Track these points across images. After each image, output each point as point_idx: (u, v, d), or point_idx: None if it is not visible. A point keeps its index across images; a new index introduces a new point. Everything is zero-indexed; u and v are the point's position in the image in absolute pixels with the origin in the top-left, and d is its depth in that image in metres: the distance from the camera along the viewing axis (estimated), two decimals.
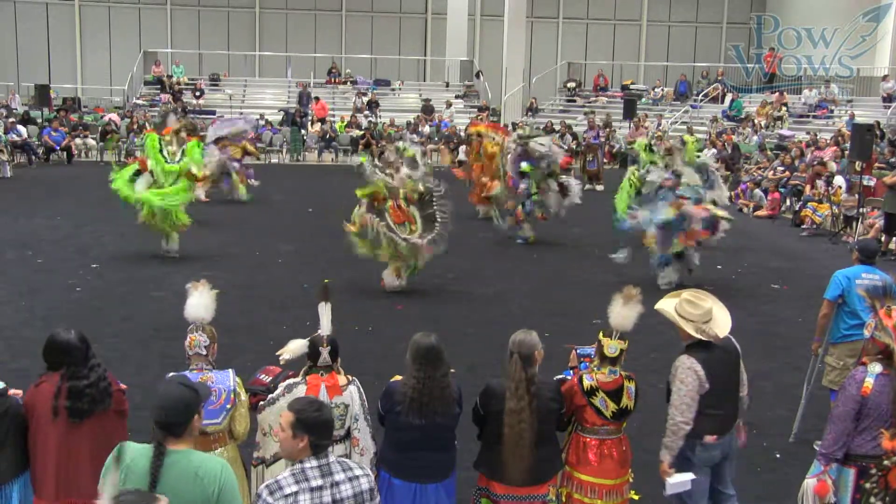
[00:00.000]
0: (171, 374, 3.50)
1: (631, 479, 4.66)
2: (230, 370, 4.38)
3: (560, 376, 4.74)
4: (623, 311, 4.45)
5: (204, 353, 4.34)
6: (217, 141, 16.62)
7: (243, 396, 4.34)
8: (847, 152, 17.29)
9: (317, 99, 27.38)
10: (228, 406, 4.25)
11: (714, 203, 10.63)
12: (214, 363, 4.41)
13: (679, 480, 4.42)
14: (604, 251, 13.10)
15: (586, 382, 4.44)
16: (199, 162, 12.10)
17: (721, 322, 4.57)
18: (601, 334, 4.48)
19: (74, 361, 4.00)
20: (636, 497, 4.94)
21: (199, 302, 4.42)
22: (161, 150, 11.78)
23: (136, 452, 3.19)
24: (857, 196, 14.77)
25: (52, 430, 3.98)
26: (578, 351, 4.86)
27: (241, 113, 27.21)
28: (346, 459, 3.38)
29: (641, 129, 23.48)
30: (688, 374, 4.37)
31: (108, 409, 4.01)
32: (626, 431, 4.65)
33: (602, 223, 15.74)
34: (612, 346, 4.43)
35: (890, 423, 4.16)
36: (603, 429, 4.48)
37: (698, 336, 4.47)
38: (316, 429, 3.23)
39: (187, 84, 29.06)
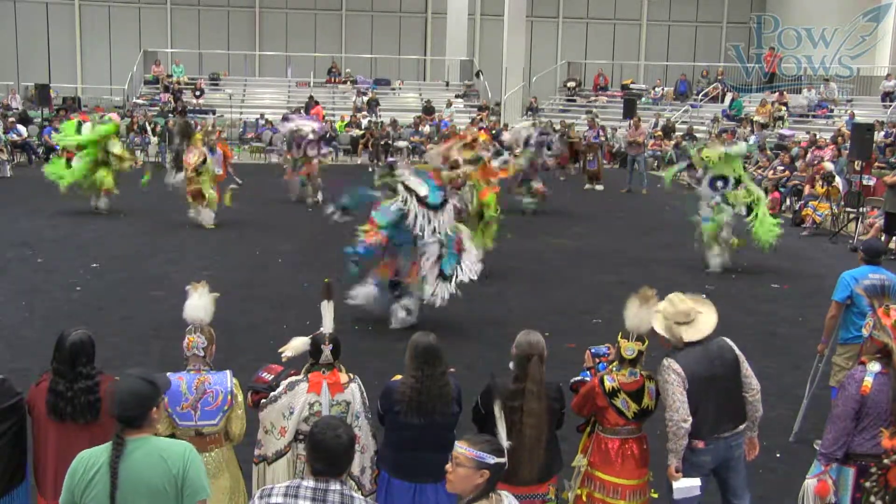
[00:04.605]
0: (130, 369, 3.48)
1: (651, 478, 4.64)
2: (228, 371, 4.37)
3: (577, 378, 4.73)
4: (639, 313, 4.45)
5: (202, 354, 4.32)
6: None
7: (240, 398, 4.33)
8: (845, 152, 17.31)
9: (316, 103, 27.35)
10: (225, 407, 4.24)
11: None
12: (212, 364, 4.39)
13: (686, 485, 4.39)
14: (603, 251, 13.13)
15: (608, 384, 4.42)
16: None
17: (701, 327, 4.54)
18: (619, 336, 4.48)
19: (74, 362, 4.00)
20: (655, 495, 4.91)
21: (198, 303, 4.40)
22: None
23: (94, 456, 3.21)
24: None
25: (51, 428, 3.99)
26: (593, 351, 4.83)
27: (241, 113, 27.25)
28: (355, 495, 3.14)
29: (641, 128, 23.43)
30: (668, 373, 4.38)
31: (94, 421, 3.98)
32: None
33: (603, 223, 15.76)
34: (629, 349, 4.43)
35: (889, 422, 4.16)
36: (624, 429, 4.48)
37: (663, 334, 4.50)
38: (315, 451, 3.16)
39: (187, 84, 29.03)
